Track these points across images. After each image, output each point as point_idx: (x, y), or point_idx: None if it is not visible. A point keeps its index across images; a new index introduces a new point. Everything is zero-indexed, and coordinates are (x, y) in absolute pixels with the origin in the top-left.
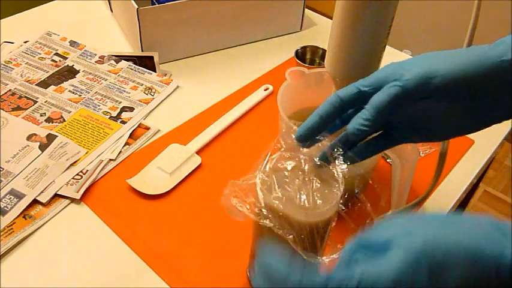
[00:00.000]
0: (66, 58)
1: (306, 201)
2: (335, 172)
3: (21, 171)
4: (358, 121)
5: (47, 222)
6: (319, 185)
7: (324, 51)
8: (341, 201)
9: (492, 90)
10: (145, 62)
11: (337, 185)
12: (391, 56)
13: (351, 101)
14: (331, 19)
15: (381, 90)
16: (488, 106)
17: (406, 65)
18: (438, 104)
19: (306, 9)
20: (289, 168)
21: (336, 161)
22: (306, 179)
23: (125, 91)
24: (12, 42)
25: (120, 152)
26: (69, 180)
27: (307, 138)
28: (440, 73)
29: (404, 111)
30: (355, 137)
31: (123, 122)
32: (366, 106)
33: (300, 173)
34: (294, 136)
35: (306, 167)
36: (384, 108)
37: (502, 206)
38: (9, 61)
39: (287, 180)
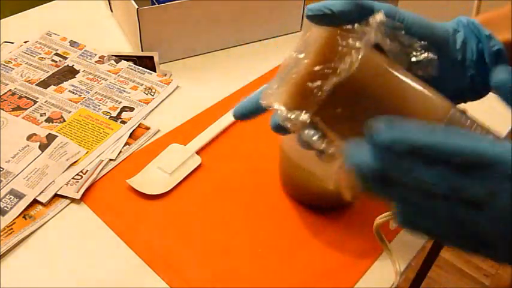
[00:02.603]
0: (66, 58)
1: None
2: None
3: (21, 171)
4: None
5: (47, 222)
6: None
7: None
8: None
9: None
10: (146, 62)
11: None
12: None
13: None
14: None
15: None
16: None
17: None
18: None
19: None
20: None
21: None
22: None
23: (124, 91)
24: (12, 42)
25: (120, 152)
26: (69, 180)
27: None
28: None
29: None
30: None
31: (123, 122)
32: None
33: None
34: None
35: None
36: None
37: None
38: (9, 61)
39: None
